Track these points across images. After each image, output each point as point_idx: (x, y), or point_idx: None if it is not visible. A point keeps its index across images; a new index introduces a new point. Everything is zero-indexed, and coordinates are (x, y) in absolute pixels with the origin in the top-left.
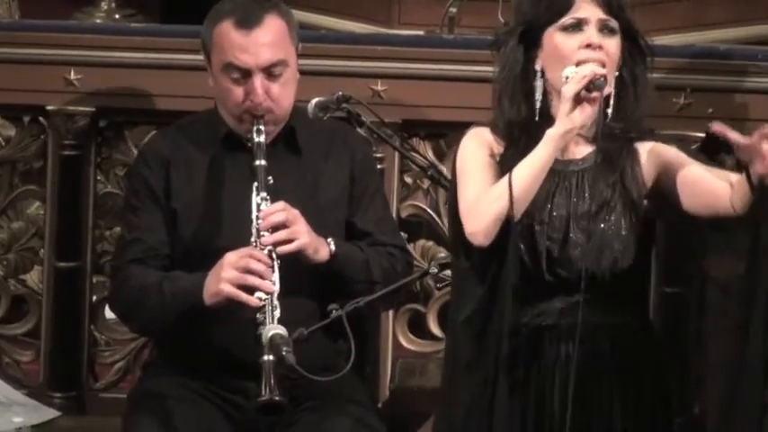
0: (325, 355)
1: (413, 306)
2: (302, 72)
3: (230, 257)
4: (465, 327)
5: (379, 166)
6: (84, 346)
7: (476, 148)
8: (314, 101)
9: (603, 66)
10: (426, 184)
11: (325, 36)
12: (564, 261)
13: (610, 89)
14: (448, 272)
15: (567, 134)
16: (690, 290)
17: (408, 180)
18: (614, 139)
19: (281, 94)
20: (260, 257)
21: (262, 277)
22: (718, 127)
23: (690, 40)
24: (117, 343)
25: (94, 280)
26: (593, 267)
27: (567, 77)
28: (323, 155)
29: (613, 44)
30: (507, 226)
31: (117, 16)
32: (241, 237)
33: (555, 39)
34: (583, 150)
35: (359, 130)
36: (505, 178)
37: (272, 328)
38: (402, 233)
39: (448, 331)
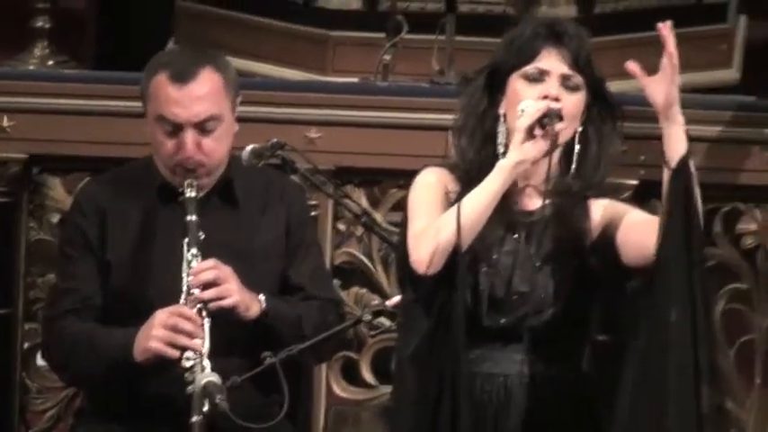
0: (258, 403)
1: (346, 353)
2: (237, 119)
3: (161, 316)
4: (410, 362)
5: (312, 213)
6: (15, 393)
7: (429, 185)
8: (248, 147)
9: (563, 119)
10: (360, 231)
11: (260, 83)
12: (504, 308)
13: (568, 135)
14: (381, 319)
15: (518, 165)
16: (623, 338)
17: (342, 227)
18: (569, 195)
19: (213, 149)
20: (190, 316)
21: (191, 336)
22: (632, 66)
23: (622, 88)
24: (49, 390)
25: (26, 327)
26: (532, 320)
27: (522, 110)
28: (259, 207)
29: (574, 100)
30: (454, 258)
31: (50, 63)
32: (173, 291)
33: (516, 85)
34: (536, 203)
35: (293, 177)
36: (454, 207)
37: (206, 376)
38: (335, 280)
39: (395, 368)
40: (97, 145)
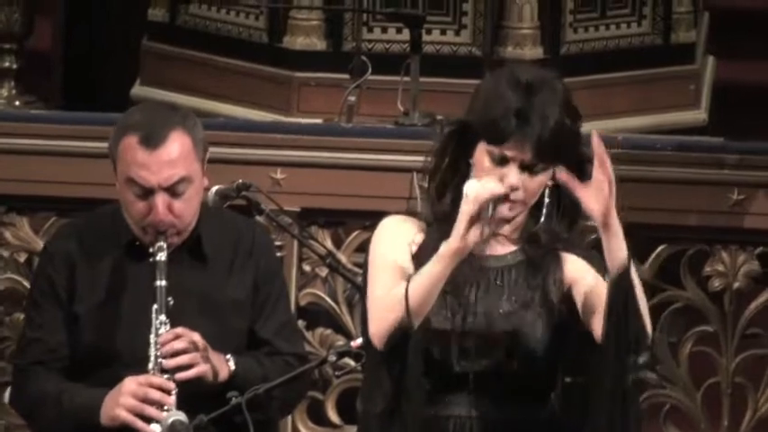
0: None
1: (312, 393)
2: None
3: (129, 385)
4: (377, 419)
5: (278, 254)
6: None
7: (391, 238)
8: (214, 189)
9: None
10: (325, 272)
11: (225, 123)
12: (476, 355)
13: (522, 214)
14: (346, 359)
15: (458, 252)
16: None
17: (307, 268)
18: (539, 245)
19: (183, 210)
20: (159, 386)
21: (160, 406)
22: (564, 176)
23: (588, 129)
24: (17, 428)
25: None
26: (505, 366)
27: (466, 194)
28: (228, 262)
29: (536, 182)
30: (407, 334)
31: (17, 103)
32: (140, 347)
33: (483, 158)
34: (505, 248)
35: (258, 218)
36: (402, 287)
37: (173, 415)
38: (300, 321)
39: (359, 420)
40: (65, 185)
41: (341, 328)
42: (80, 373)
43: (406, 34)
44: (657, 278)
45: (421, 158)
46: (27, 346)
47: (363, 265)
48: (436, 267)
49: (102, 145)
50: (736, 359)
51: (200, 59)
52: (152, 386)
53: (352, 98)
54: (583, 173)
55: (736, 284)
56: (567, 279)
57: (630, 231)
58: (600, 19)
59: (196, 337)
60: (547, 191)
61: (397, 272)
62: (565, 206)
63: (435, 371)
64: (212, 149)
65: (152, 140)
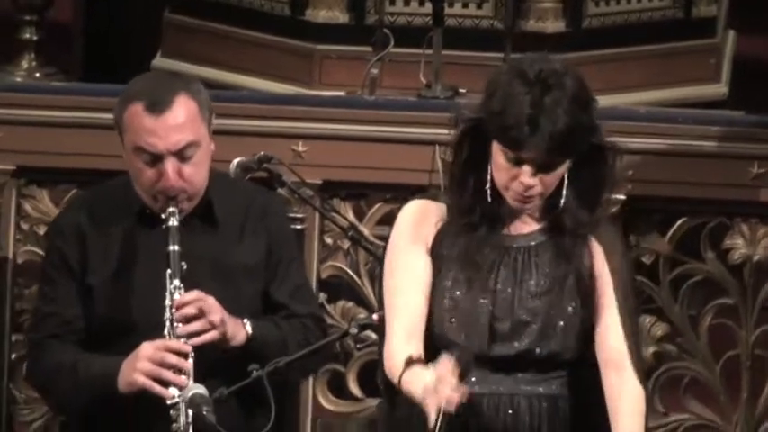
0: (244, 415)
1: (332, 366)
2: (223, 132)
3: (146, 349)
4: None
5: (299, 227)
6: (2, 403)
7: (411, 236)
8: (235, 161)
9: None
10: (347, 244)
11: (246, 96)
12: (507, 340)
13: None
14: (368, 332)
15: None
16: None
17: (329, 241)
18: (565, 229)
19: (193, 175)
20: (176, 349)
21: (177, 370)
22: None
23: (611, 103)
24: (35, 401)
25: (13, 338)
26: (535, 349)
27: (424, 390)
28: (239, 227)
29: (552, 177)
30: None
31: (37, 75)
32: (156, 315)
33: (498, 157)
34: (530, 226)
35: (280, 190)
36: (399, 370)
37: (193, 388)
38: (322, 294)
39: (384, 392)
40: (85, 157)
41: (362, 301)
42: (96, 345)
43: (428, 7)
44: (677, 251)
45: (443, 131)
46: (41, 321)
47: (385, 248)
48: (413, 395)
49: None
50: (755, 332)
51: (222, 32)
52: (168, 350)
53: (375, 71)
54: (597, 159)
55: (756, 257)
56: (595, 268)
57: (651, 204)
58: None
59: (211, 300)
60: (566, 176)
61: (413, 286)
62: (584, 187)
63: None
64: (233, 122)
65: (158, 106)
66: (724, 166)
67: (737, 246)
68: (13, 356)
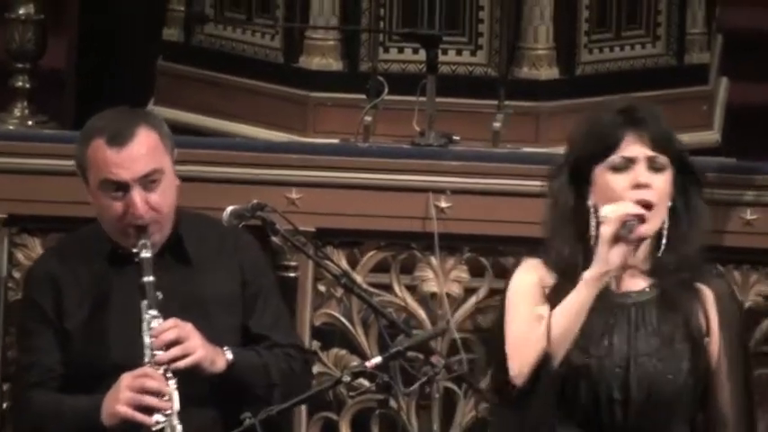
0: None
1: (325, 414)
2: (217, 180)
3: (126, 379)
4: None
5: (292, 275)
6: None
7: (525, 287)
8: (229, 209)
9: (650, 206)
10: (340, 292)
11: (240, 144)
12: (622, 401)
13: (659, 223)
14: (361, 380)
15: (603, 276)
16: None
17: (322, 288)
18: (669, 274)
19: (160, 202)
20: (155, 376)
21: (159, 395)
22: None
23: None
24: None
25: (5, 387)
26: (651, 411)
27: (603, 217)
28: (212, 261)
29: (662, 180)
30: (547, 370)
31: (30, 123)
32: (134, 353)
33: (605, 177)
34: (639, 283)
35: (273, 238)
36: (543, 322)
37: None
38: (315, 341)
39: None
40: (76, 205)
41: (355, 349)
42: (79, 388)
43: (422, 54)
44: None
45: (437, 179)
46: (23, 372)
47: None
48: (580, 295)
49: None
50: None
51: (216, 79)
52: (147, 376)
53: (369, 118)
54: (687, 170)
55: (748, 303)
56: (708, 316)
57: None
58: (615, 40)
59: (189, 326)
60: (666, 215)
61: (533, 313)
62: (683, 227)
63: (579, 415)
64: (227, 169)
65: (119, 139)
66: (717, 213)
67: None
68: (5, 406)
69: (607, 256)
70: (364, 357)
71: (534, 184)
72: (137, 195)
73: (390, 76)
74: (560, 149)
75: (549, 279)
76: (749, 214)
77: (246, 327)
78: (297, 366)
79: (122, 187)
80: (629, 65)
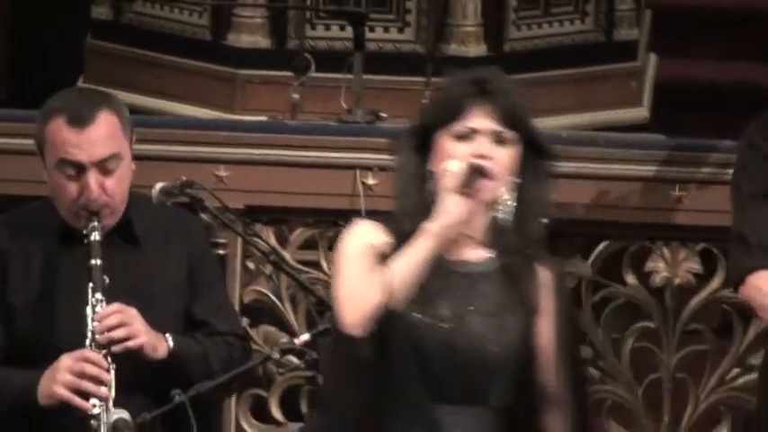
0: None
1: (255, 391)
2: (146, 157)
3: (65, 361)
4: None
5: (221, 252)
6: None
7: (359, 241)
8: (157, 186)
9: (489, 177)
10: (269, 269)
11: (169, 121)
12: (448, 367)
13: (502, 193)
14: (290, 357)
15: (444, 228)
16: None
17: (251, 265)
18: (510, 248)
19: (115, 188)
20: (95, 361)
21: (97, 382)
22: None
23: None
24: None
25: None
26: (477, 381)
27: (447, 170)
28: (159, 245)
29: (505, 154)
30: (390, 322)
31: None
32: (78, 335)
33: (447, 144)
34: (476, 254)
35: (202, 215)
36: (384, 269)
37: (116, 413)
38: (244, 318)
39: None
40: (6, 183)
41: (284, 326)
42: (20, 363)
43: (349, 31)
44: (599, 274)
45: (364, 155)
46: None
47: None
48: (419, 246)
49: None
50: (677, 355)
51: (145, 57)
52: (88, 361)
53: (296, 95)
54: (534, 154)
55: (677, 280)
56: (541, 295)
57: (573, 228)
58: (543, 17)
59: (133, 311)
60: (512, 189)
61: (367, 267)
62: (527, 203)
63: (406, 376)
64: (156, 147)
65: (80, 120)
66: (645, 190)
67: (659, 269)
68: None
69: (448, 208)
70: (293, 334)
71: None
72: (92, 179)
73: (317, 54)
74: None
75: (387, 241)
76: (678, 191)
77: (190, 312)
78: (236, 355)
79: (79, 168)
80: (557, 41)
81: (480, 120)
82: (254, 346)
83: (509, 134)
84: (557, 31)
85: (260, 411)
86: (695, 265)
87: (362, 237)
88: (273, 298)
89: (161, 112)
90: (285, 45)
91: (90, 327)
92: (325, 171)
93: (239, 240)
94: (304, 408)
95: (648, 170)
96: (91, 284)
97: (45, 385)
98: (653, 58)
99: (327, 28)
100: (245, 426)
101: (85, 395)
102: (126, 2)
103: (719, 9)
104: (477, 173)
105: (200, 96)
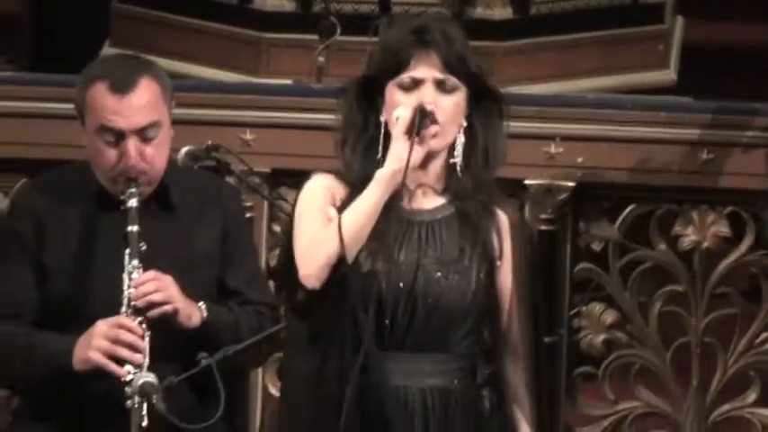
0: (194, 404)
1: (281, 355)
2: (172, 121)
3: (101, 327)
4: (305, 384)
5: (248, 215)
6: None
7: (315, 194)
8: (183, 150)
9: (436, 121)
10: None
11: (194, 85)
12: (408, 315)
13: (449, 140)
14: None
15: (395, 173)
16: None
17: (277, 229)
18: (466, 194)
19: (154, 156)
20: (131, 327)
21: (132, 349)
22: None
23: (559, 89)
24: None
25: None
26: (438, 328)
27: (396, 118)
28: (195, 212)
29: (451, 102)
30: (342, 270)
31: None
32: (114, 299)
33: (393, 95)
34: (432, 201)
35: (228, 179)
36: (337, 220)
37: (143, 377)
38: (271, 281)
39: (285, 390)
40: (34, 147)
41: None
42: (53, 326)
43: None
44: (627, 238)
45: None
46: None
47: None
48: (372, 193)
49: (72, 107)
50: (705, 319)
51: (170, 21)
52: (123, 327)
53: (322, 59)
54: (490, 112)
55: (706, 244)
56: (500, 239)
57: (600, 191)
58: None
59: (168, 279)
60: (461, 132)
61: (323, 224)
62: (479, 147)
63: (362, 328)
64: (182, 111)
65: (122, 86)
66: (673, 153)
67: (687, 233)
68: None
69: (397, 153)
70: None
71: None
72: (132, 146)
73: (343, 17)
74: (515, 89)
75: (341, 191)
76: (706, 153)
77: (222, 280)
78: (267, 324)
79: (118, 135)
80: (583, 3)
81: (423, 69)
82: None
83: (453, 81)
84: None
85: None
86: (723, 229)
87: (317, 190)
88: None
89: (186, 75)
90: (311, 8)
91: (126, 293)
92: None
93: (265, 204)
94: None
95: (676, 133)
96: (128, 251)
97: (80, 351)
98: (680, 20)
99: None
100: (272, 389)
101: (120, 361)
102: None
103: None
104: (423, 118)
105: (226, 60)
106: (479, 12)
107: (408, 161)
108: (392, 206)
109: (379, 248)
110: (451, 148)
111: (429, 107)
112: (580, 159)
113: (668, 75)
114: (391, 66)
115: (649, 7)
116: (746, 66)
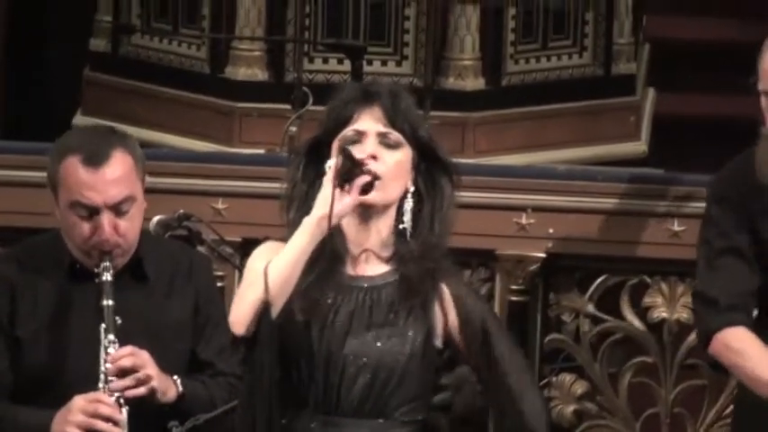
0: None
1: None
2: (144, 190)
3: (79, 402)
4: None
5: (219, 284)
6: None
7: (261, 255)
8: (155, 219)
9: (377, 177)
10: None
11: (167, 154)
12: (345, 379)
13: (390, 197)
14: None
15: (320, 220)
16: None
17: None
18: (411, 260)
19: (128, 229)
20: (108, 403)
21: (110, 422)
22: None
23: (531, 160)
24: None
25: None
26: (377, 393)
27: (329, 167)
28: (168, 283)
29: (394, 158)
30: (286, 332)
31: None
32: (89, 373)
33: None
34: (376, 268)
35: (199, 248)
36: (263, 271)
37: None
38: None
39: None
40: (5, 215)
41: None
42: (27, 399)
43: (347, 65)
44: (598, 309)
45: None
46: None
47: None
48: (297, 239)
49: (43, 174)
50: (675, 390)
51: (143, 90)
52: (102, 403)
53: (294, 128)
54: (427, 157)
55: (675, 315)
56: (450, 319)
57: (571, 262)
58: (541, 50)
59: (145, 355)
60: (408, 196)
61: (260, 273)
62: (425, 213)
63: (295, 393)
64: (154, 179)
65: (95, 160)
66: (644, 224)
67: (657, 304)
68: None
69: (325, 200)
70: None
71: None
72: (106, 220)
73: (315, 87)
74: (487, 159)
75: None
76: (676, 225)
77: (194, 351)
78: (237, 395)
79: (92, 210)
80: (555, 75)
81: (366, 122)
82: None
83: (396, 136)
84: (555, 65)
85: None
86: None
87: (264, 251)
88: None
89: (159, 144)
90: (283, 78)
91: (102, 368)
92: None
93: (236, 273)
94: None
95: (647, 204)
96: (103, 325)
97: (57, 426)
98: (651, 92)
99: (325, 61)
100: None
101: None
102: (124, 34)
103: (717, 43)
104: (352, 164)
105: (199, 129)
106: (451, 82)
107: (332, 207)
108: (333, 270)
109: (312, 310)
110: (399, 213)
111: (359, 156)
112: (551, 230)
113: (639, 146)
114: (337, 122)
115: (621, 79)
116: (717, 137)
